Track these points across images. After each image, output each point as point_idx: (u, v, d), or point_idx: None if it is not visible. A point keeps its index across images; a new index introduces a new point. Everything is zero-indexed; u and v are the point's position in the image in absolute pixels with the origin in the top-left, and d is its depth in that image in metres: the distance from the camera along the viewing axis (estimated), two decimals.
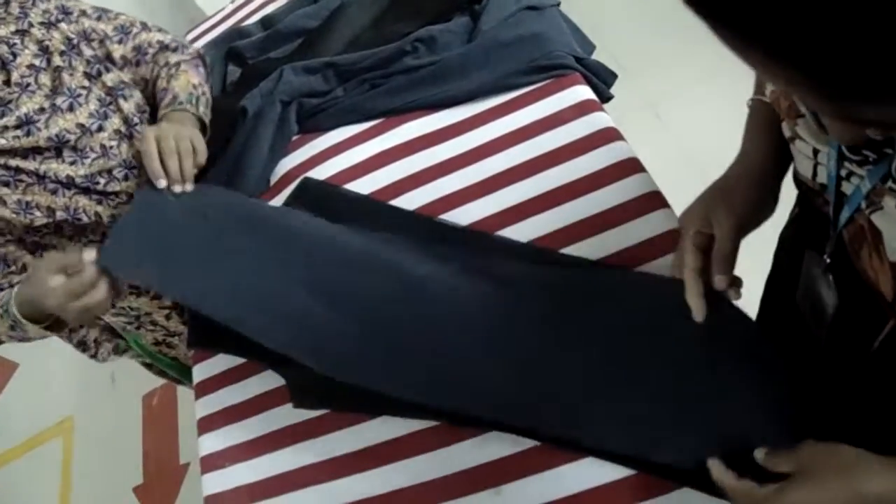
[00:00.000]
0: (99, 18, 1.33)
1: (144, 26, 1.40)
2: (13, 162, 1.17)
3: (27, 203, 1.19)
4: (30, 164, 1.18)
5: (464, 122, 1.28)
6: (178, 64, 1.38)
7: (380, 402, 1.05)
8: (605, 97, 1.32)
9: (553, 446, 0.94)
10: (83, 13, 1.31)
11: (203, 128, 1.34)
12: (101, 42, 1.31)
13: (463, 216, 1.17)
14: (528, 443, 0.95)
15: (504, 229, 1.13)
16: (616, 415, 0.92)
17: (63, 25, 1.25)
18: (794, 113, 0.66)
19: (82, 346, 1.63)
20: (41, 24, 1.23)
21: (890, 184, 0.57)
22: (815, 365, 0.90)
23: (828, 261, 0.81)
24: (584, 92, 1.23)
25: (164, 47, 1.39)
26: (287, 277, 1.16)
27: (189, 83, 1.35)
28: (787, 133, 0.71)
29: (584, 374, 0.96)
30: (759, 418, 0.85)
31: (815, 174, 0.70)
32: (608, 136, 1.15)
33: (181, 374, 1.70)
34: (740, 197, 0.85)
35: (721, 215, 0.84)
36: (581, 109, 1.20)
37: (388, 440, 1.03)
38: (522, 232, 1.12)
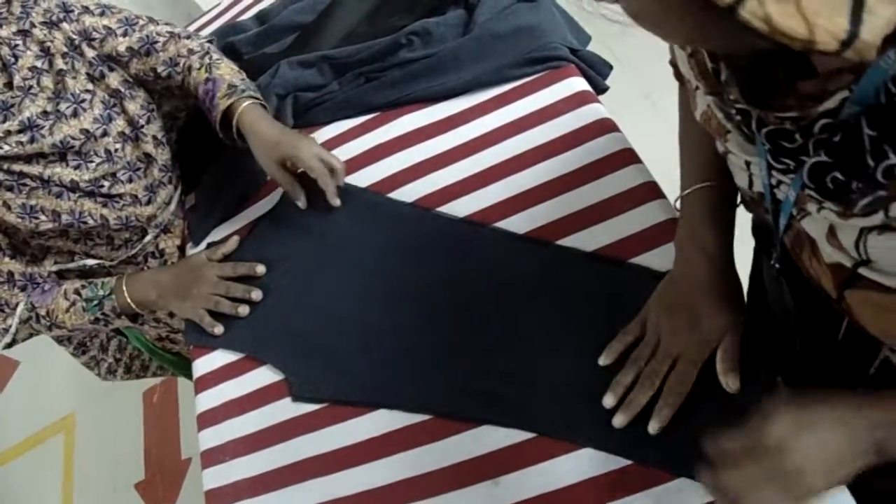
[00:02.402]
0: (102, 14, 1.30)
1: (150, 19, 1.38)
2: (17, 167, 1.17)
3: (31, 207, 1.19)
4: (34, 169, 1.18)
5: (459, 114, 1.29)
6: (207, 53, 1.36)
7: (378, 394, 1.06)
8: (600, 88, 1.32)
9: (550, 437, 0.94)
10: (85, 10, 1.28)
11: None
12: (104, 40, 1.28)
13: (460, 208, 1.17)
14: (525, 434, 0.96)
15: (500, 221, 1.13)
16: (603, 412, 0.92)
17: (65, 25, 1.24)
18: (724, 129, 0.67)
19: (93, 361, 1.65)
20: (42, 23, 1.21)
21: (808, 191, 0.58)
22: (793, 365, 0.91)
23: (777, 266, 0.82)
24: (579, 83, 1.23)
25: (174, 36, 1.36)
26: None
27: (231, 69, 1.35)
28: (720, 149, 0.71)
29: (576, 371, 0.96)
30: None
31: (751, 184, 0.71)
32: (603, 127, 1.15)
33: (184, 369, 1.70)
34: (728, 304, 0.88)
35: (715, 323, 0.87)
36: (576, 101, 1.20)
37: (387, 432, 1.04)
38: (518, 223, 1.12)
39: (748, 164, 0.68)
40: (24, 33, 1.19)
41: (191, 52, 1.35)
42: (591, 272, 1.03)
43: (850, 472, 0.71)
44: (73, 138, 1.20)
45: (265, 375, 1.18)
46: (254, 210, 1.38)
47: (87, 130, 1.22)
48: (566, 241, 1.07)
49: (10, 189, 1.17)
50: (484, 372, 1.01)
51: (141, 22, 1.34)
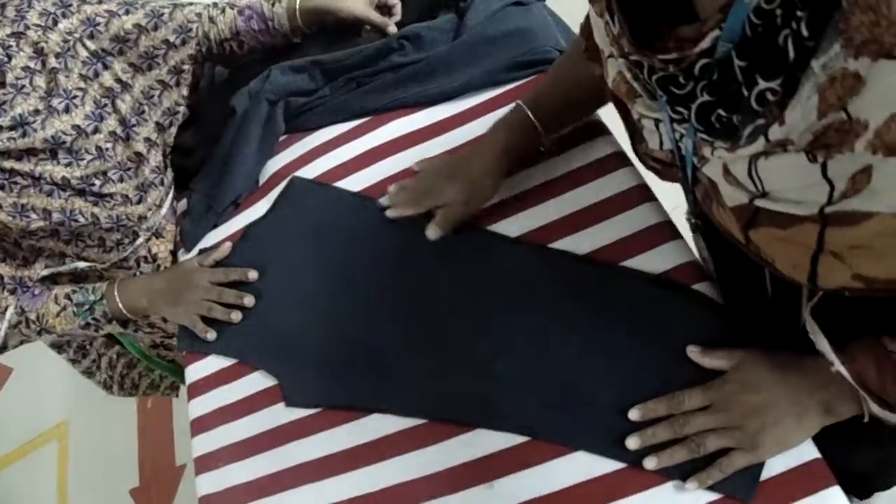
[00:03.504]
0: (100, 1, 1.30)
1: None
2: (7, 164, 1.16)
3: (23, 206, 1.19)
4: (24, 166, 1.17)
5: (451, 118, 1.29)
6: (213, 5, 1.39)
7: (371, 399, 1.06)
8: None
9: (545, 441, 0.94)
10: (83, 1, 1.29)
11: None
12: (108, 22, 1.27)
13: None
14: (519, 438, 0.96)
15: (492, 224, 1.13)
16: (597, 415, 0.92)
17: (62, 24, 1.23)
18: (633, 93, 0.70)
19: (89, 371, 1.65)
20: (37, 25, 1.21)
21: (700, 135, 0.62)
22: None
23: (693, 221, 0.89)
24: None
25: (178, 6, 1.37)
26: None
27: None
28: (635, 116, 0.75)
29: (569, 375, 0.97)
30: None
31: (661, 144, 0.74)
32: (594, 130, 1.15)
33: (179, 376, 1.70)
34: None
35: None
36: None
37: (381, 437, 1.04)
38: (510, 227, 1.12)
39: (657, 124, 0.71)
40: (17, 35, 1.19)
41: (198, 14, 1.38)
42: (584, 275, 1.03)
43: (802, 431, 0.81)
44: (65, 133, 1.19)
45: (258, 381, 1.18)
46: (246, 215, 1.38)
47: (79, 126, 1.21)
48: (558, 245, 1.07)
49: (0, 188, 1.17)
50: (478, 376, 1.01)
51: (140, 0, 1.34)
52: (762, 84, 0.51)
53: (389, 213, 1.18)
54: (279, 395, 1.14)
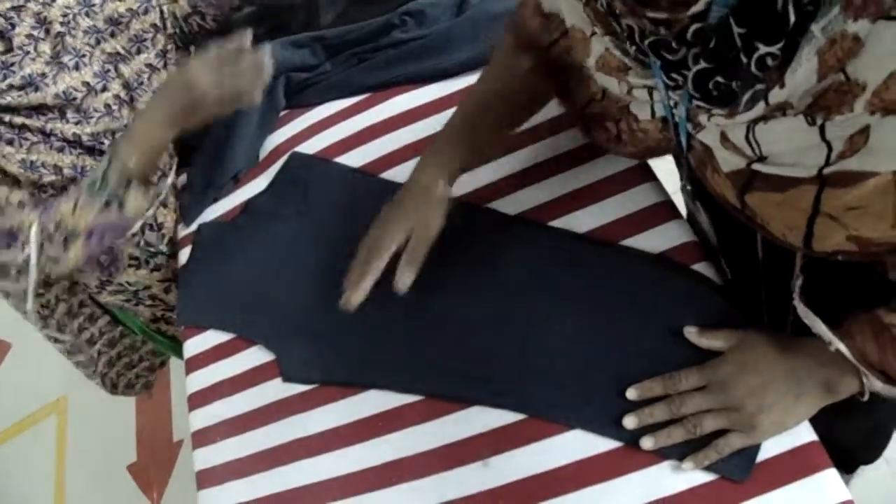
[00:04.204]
0: None
1: None
2: (18, 119, 1.16)
3: (32, 162, 1.18)
4: (35, 122, 1.17)
5: (453, 95, 1.28)
6: None
7: (368, 375, 1.06)
8: None
9: (540, 419, 0.94)
10: None
11: None
12: (104, 4, 1.27)
13: (452, 189, 1.16)
14: (515, 415, 0.96)
15: (492, 202, 1.13)
16: (593, 393, 0.92)
17: (60, 0, 1.24)
18: (623, 66, 0.70)
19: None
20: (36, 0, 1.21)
21: (696, 102, 0.62)
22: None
23: (689, 188, 0.90)
24: None
25: None
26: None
27: None
28: (623, 91, 0.75)
29: (566, 352, 0.97)
30: None
31: (653, 113, 0.75)
32: None
33: (180, 352, 1.70)
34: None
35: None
36: None
37: (378, 413, 1.04)
38: (510, 205, 1.12)
39: (651, 93, 0.71)
40: (18, 9, 1.19)
41: None
42: (583, 254, 1.03)
43: (800, 412, 0.80)
44: (76, 90, 1.20)
45: (256, 356, 1.18)
46: (246, 190, 1.38)
47: (88, 84, 1.22)
48: (557, 223, 1.07)
49: (10, 143, 1.17)
50: (474, 353, 1.01)
51: None
52: (762, 49, 0.51)
53: (352, 303, 0.99)
54: (276, 370, 1.14)
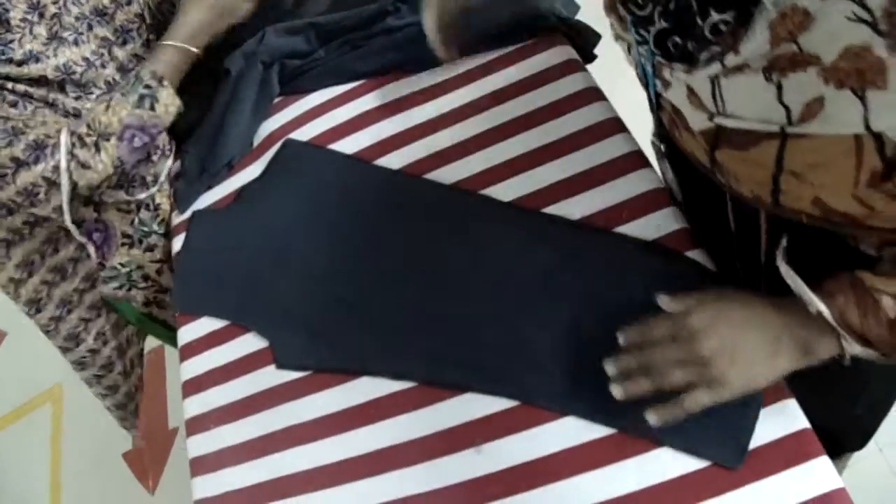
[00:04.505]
0: None
1: None
2: (20, 87, 1.17)
3: (39, 123, 1.19)
4: (38, 91, 1.18)
5: (446, 81, 1.28)
6: None
7: (362, 362, 1.06)
8: (589, 57, 1.31)
9: (533, 405, 0.95)
10: None
11: None
12: None
13: (446, 175, 1.17)
14: (509, 402, 0.96)
15: (487, 188, 1.13)
16: (587, 380, 0.92)
17: None
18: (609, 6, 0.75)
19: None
20: None
21: (658, 58, 0.66)
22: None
23: (661, 146, 0.92)
24: (566, 52, 1.22)
25: None
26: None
27: None
28: (613, 35, 0.81)
29: (559, 339, 0.97)
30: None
31: (636, 66, 0.78)
32: (590, 96, 1.15)
33: (170, 340, 1.70)
34: None
35: None
36: (564, 69, 1.19)
37: (371, 400, 1.04)
38: (505, 191, 1.12)
39: (629, 48, 0.77)
40: None
41: None
42: (577, 240, 1.03)
43: (773, 372, 0.77)
44: (76, 63, 1.21)
45: (250, 343, 1.18)
46: (240, 177, 1.37)
47: (88, 59, 1.23)
48: (552, 210, 1.07)
49: (13, 105, 1.17)
50: (468, 340, 1.02)
51: None
52: (715, 16, 0.55)
53: None
54: (270, 357, 1.14)
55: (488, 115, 1.20)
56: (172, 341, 1.70)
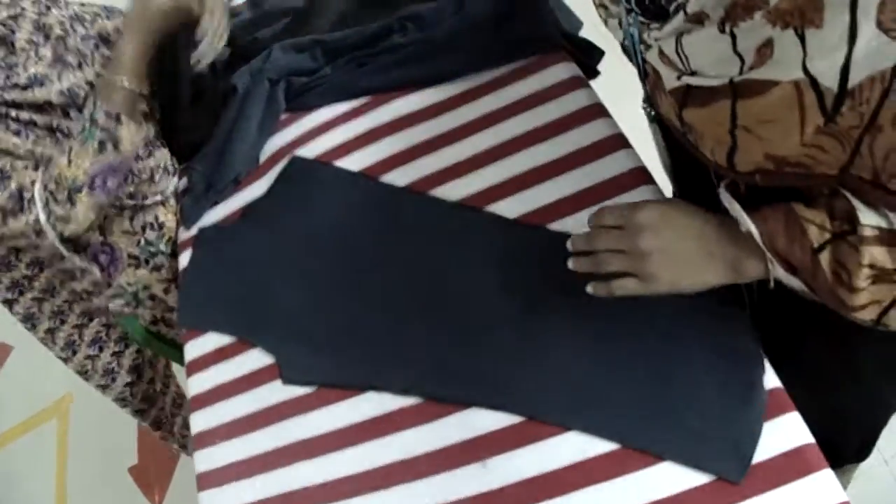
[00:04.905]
0: (82, 4, 1.35)
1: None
2: (25, 114, 1.17)
3: (41, 154, 1.20)
4: (41, 119, 1.19)
5: (451, 99, 1.29)
6: None
7: (367, 378, 1.07)
8: (592, 74, 1.32)
9: (538, 421, 0.95)
10: (68, 1, 1.32)
11: None
12: (93, 20, 1.32)
13: (452, 192, 1.18)
14: (514, 417, 0.96)
15: (492, 204, 1.14)
16: (589, 395, 0.93)
17: (54, 11, 1.26)
18: None
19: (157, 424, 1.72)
20: (33, 11, 1.23)
21: (640, 19, 0.73)
22: None
23: (650, 111, 0.98)
24: (570, 69, 1.23)
25: None
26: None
27: None
28: (602, 15, 0.89)
29: (564, 355, 0.98)
30: (735, 406, 0.88)
31: (624, 38, 0.84)
32: (594, 112, 1.16)
33: (176, 358, 1.71)
34: None
35: None
36: (568, 86, 1.20)
37: (377, 416, 1.05)
38: (510, 207, 1.13)
39: (620, 22, 0.83)
40: (16, 17, 1.21)
41: None
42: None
43: (700, 280, 0.84)
44: (80, 87, 1.22)
45: (256, 358, 1.19)
46: (246, 194, 1.38)
47: (91, 83, 1.23)
48: (556, 226, 1.08)
49: (16, 134, 1.17)
50: (473, 355, 1.02)
51: (118, 11, 1.38)
52: None
53: None
54: (277, 372, 1.15)
55: (493, 132, 1.21)
56: (180, 359, 1.71)
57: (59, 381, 3.04)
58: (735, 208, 0.78)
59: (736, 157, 0.72)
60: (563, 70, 1.23)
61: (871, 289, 0.70)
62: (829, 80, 0.59)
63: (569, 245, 0.94)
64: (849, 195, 0.69)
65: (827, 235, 0.71)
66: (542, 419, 0.95)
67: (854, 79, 0.57)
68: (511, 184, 1.15)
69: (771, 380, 0.88)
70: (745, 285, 0.95)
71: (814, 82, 0.60)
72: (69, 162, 1.18)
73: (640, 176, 1.07)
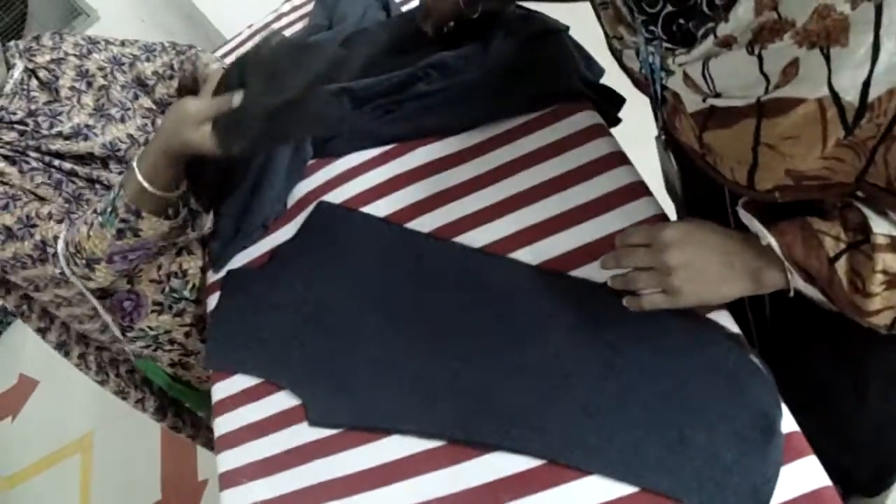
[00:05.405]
0: (123, 44, 1.39)
1: (164, 46, 1.45)
2: (67, 165, 1.21)
3: (76, 200, 1.24)
4: (82, 170, 1.22)
5: (475, 146, 1.31)
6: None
7: (393, 420, 1.09)
8: (613, 121, 1.34)
9: (559, 464, 0.96)
10: (108, 42, 1.37)
11: None
12: (132, 64, 1.36)
13: (476, 239, 1.20)
14: (535, 461, 0.97)
15: (516, 251, 1.16)
16: (612, 439, 0.94)
17: (94, 55, 1.30)
18: (621, 19, 0.85)
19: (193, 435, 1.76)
20: (74, 54, 1.28)
21: (664, 45, 0.76)
22: None
23: (662, 137, 1.01)
24: (592, 117, 1.25)
25: (179, 52, 1.48)
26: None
27: None
28: (617, 47, 0.92)
29: (585, 399, 0.99)
30: (753, 453, 0.88)
31: (640, 68, 0.87)
32: (615, 160, 1.17)
33: (196, 401, 1.73)
34: None
35: None
36: (589, 134, 1.22)
37: (400, 458, 1.06)
38: (533, 254, 1.14)
39: (637, 52, 0.85)
40: (58, 61, 1.25)
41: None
42: (602, 303, 1.05)
43: (723, 293, 0.90)
44: (121, 141, 1.26)
45: (283, 400, 1.21)
46: (274, 238, 1.41)
47: (132, 136, 1.28)
48: (579, 272, 1.09)
49: (57, 186, 1.21)
50: (496, 399, 1.04)
51: (158, 48, 1.44)
52: None
53: None
54: (303, 414, 1.17)
55: (516, 180, 1.23)
56: (196, 402, 1.73)
57: (83, 417, 3.07)
58: (754, 224, 0.83)
59: (756, 176, 0.75)
60: (584, 118, 1.25)
61: (884, 294, 0.73)
62: (851, 96, 0.62)
63: (600, 263, 1.00)
64: (861, 206, 0.73)
65: (842, 245, 0.75)
66: (563, 462, 0.96)
67: (874, 93, 0.61)
68: (534, 231, 1.16)
69: (788, 423, 0.89)
70: (753, 312, 0.98)
71: (836, 98, 0.63)
72: (88, 236, 1.17)
73: (661, 222, 1.08)
